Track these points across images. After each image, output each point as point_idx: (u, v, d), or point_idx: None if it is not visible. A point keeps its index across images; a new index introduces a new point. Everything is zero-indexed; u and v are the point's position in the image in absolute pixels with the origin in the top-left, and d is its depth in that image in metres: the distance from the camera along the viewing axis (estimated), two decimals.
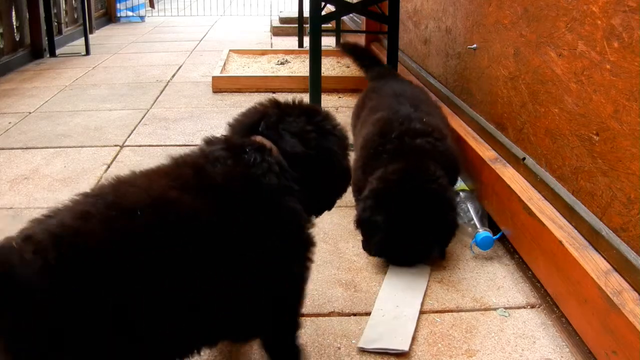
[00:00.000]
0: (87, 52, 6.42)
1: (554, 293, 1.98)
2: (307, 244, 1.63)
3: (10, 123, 4.02)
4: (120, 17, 8.92)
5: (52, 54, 6.27)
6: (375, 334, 1.89)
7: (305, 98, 3.57)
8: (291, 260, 1.59)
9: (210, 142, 1.61)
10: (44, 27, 6.19)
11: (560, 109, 2.03)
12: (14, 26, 5.81)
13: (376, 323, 1.94)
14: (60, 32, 6.68)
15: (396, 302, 2.06)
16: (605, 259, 1.75)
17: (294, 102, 1.76)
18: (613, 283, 1.66)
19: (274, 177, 1.55)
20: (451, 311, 2.04)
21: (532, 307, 2.06)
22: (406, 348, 1.83)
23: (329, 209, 1.79)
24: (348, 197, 2.67)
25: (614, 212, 1.74)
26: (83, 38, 6.58)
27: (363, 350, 1.82)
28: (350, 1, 3.97)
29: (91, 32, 6.84)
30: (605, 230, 1.77)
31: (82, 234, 1.19)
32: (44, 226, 1.21)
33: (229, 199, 1.45)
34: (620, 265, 1.68)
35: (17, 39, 5.88)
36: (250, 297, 1.50)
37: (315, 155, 1.67)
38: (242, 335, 1.70)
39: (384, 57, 3.99)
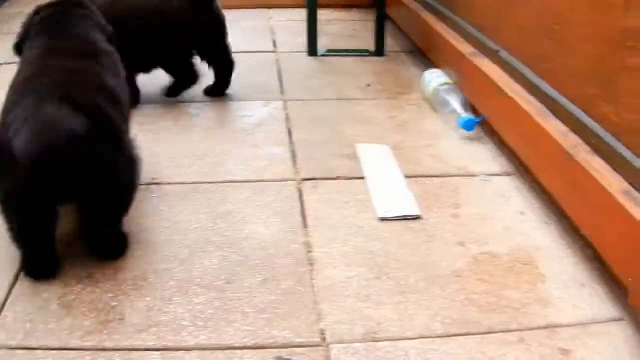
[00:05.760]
0: None
1: (525, 159, 2.34)
2: None
3: None
4: None
5: None
6: (386, 205, 2.20)
7: (302, 13, 3.92)
8: None
9: None
10: None
11: (528, 7, 2.39)
12: None
13: (380, 196, 2.26)
14: None
15: (381, 177, 2.40)
16: (563, 123, 2.14)
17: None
18: (570, 140, 2.05)
19: None
20: (439, 176, 2.41)
21: (508, 175, 2.43)
22: (419, 213, 2.16)
23: None
24: (350, 92, 3.08)
25: (570, 85, 2.13)
26: None
27: (385, 219, 2.13)
28: None
29: None
30: (563, 101, 2.15)
31: None
32: None
33: None
34: (576, 127, 2.06)
35: None
36: None
37: None
38: None
39: None
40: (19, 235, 1.83)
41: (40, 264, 1.87)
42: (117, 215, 1.96)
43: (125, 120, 2.07)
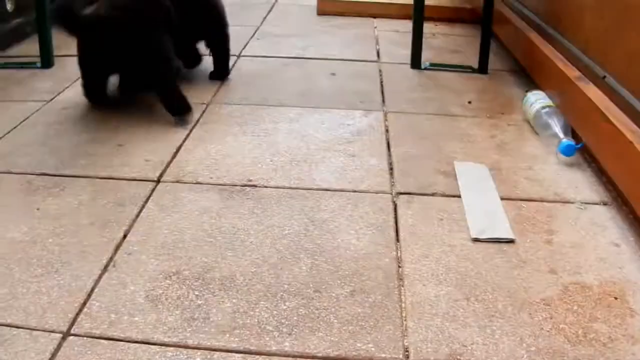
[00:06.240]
0: None
1: (623, 189, 2.31)
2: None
3: None
4: None
5: None
6: (480, 225, 2.19)
7: (406, 24, 3.93)
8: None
9: None
10: None
11: (637, 34, 2.36)
12: None
13: (475, 216, 2.25)
14: None
15: (477, 197, 2.38)
16: None
17: None
18: None
19: None
20: (535, 200, 2.38)
21: (605, 204, 2.38)
22: (513, 236, 2.14)
23: None
24: (451, 108, 3.07)
25: None
26: None
27: (478, 240, 2.12)
28: None
29: None
30: None
31: None
32: None
33: None
34: None
35: None
36: None
37: None
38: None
39: None
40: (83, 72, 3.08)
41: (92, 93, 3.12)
42: (156, 81, 3.00)
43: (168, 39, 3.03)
